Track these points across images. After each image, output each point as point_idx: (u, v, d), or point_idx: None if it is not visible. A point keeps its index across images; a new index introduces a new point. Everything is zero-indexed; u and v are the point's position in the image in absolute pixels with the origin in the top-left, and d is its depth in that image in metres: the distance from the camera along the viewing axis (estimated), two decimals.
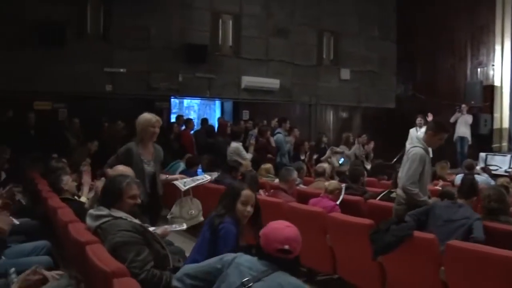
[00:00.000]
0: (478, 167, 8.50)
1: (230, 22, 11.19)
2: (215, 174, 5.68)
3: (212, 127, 9.95)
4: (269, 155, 8.14)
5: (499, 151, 11.63)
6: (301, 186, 6.16)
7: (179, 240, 4.58)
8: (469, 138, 10.76)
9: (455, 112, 10.82)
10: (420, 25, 12.91)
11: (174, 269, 2.88)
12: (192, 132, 9.72)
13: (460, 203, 3.84)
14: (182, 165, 7.16)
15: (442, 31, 12.53)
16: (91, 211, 3.04)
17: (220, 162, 7.07)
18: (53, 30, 8.56)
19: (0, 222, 2.75)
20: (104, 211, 2.95)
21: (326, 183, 5.05)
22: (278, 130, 9.24)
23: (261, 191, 5.26)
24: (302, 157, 8.88)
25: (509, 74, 11.94)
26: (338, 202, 4.71)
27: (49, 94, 8.97)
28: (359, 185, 5.53)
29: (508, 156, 10.79)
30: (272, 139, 8.51)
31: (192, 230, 4.60)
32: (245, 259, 2.26)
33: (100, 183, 4.51)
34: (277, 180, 5.90)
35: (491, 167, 9.30)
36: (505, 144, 12.02)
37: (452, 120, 10.59)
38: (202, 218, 4.39)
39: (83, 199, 4.63)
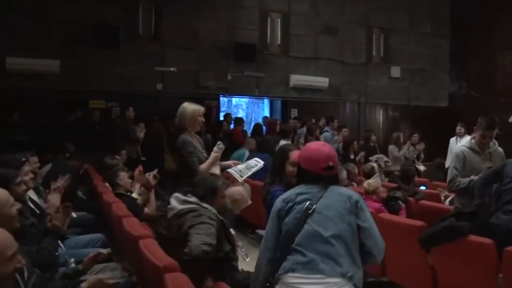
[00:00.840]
0: None
1: (279, 20, 11.19)
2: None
3: (260, 125, 9.98)
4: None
5: None
6: (352, 186, 6.07)
7: None
8: None
9: None
10: (475, 19, 12.36)
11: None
12: None
13: None
14: (247, 153, 7.21)
15: (499, 25, 11.97)
16: (177, 194, 3.06)
17: None
18: (108, 33, 8.88)
19: (56, 220, 2.89)
20: (193, 199, 2.99)
21: (365, 184, 4.94)
22: (326, 128, 9.17)
23: None
24: (352, 157, 8.77)
25: None
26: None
27: (103, 93, 9.31)
28: (410, 186, 5.40)
29: None
30: (321, 138, 8.45)
31: None
32: (292, 192, 2.40)
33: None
34: None
35: None
36: None
37: (510, 120, 10.13)
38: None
39: (134, 195, 4.78)
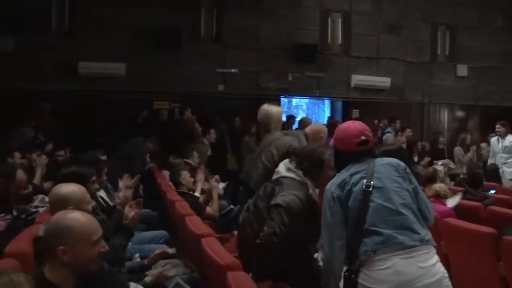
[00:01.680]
0: None
1: (340, 20, 11.04)
2: None
3: None
4: None
5: None
6: None
7: None
8: None
9: None
10: None
11: None
12: None
13: None
14: None
15: None
16: (286, 161, 3.01)
17: None
18: (171, 35, 9.19)
19: (131, 221, 3.01)
20: (298, 172, 2.89)
21: (437, 186, 4.76)
22: (388, 129, 8.95)
23: None
24: (415, 159, 8.51)
25: None
26: (451, 206, 4.43)
27: (167, 94, 9.60)
28: (478, 190, 5.15)
29: None
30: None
31: None
32: (344, 175, 2.38)
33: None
34: None
35: None
36: None
37: None
38: None
39: (196, 194, 4.90)
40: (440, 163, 7.95)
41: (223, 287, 2.21)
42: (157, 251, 2.99)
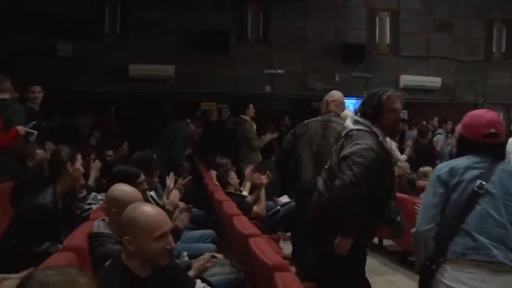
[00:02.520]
0: None
1: (388, 19, 10.84)
2: None
3: None
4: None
5: None
6: None
7: None
8: None
9: None
10: None
11: None
12: None
13: None
14: None
15: None
16: (352, 114, 2.97)
17: None
18: (219, 38, 9.36)
19: (179, 222, 3.07)
20: (365, 122, 2.81)
21: None
22: (439, 131, 8.70)
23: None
24: None
25: None
26: None
27: (214, 95, 9.75)
28: None
29: None
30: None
31: None
32: (460, 164, 2.22)
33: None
34: None
35: None
36: None
37: None
38: None
39: (244, 193, 4.94)
40: None
41: (270, 287, 2.22)
42: (205, 256, 2.99)
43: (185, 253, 3.42)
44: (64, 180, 3.25)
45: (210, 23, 9.41)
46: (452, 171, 2.21)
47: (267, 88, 9.98)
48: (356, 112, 2.94)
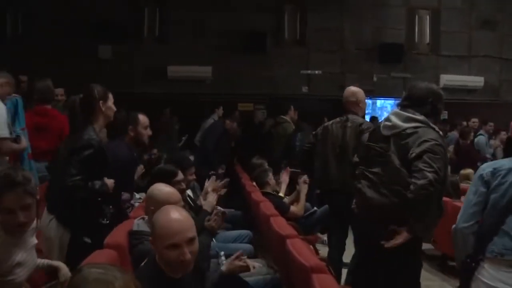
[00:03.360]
0: None
1: (428, 17, 10.59)
2: None
3: None
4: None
5: None
6: None
7: None
8: None
9: None
10: None
11: None
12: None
13: None
14: None
15: None
16: (401, 112, 2.83)
17: None
18: (256, 39, 9.44)
19: (214, 222, 3.09)
20: (420, 117, 2.73)
21: None
22: (481, 132, 8.44)
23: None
24: None
25: None
26: None
27: (251, 96, 9.79)
28: None
29: None
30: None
31: None
32: (504, 164, 2.24)
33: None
34: None
35: None
36: None
37: None
38: None
39: (280, 194, 4.93)
40: None
41: None
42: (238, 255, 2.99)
43: (222, 252, 3.45)
44: (99, 120, 3.16)
45: (247, 25, 9.49)
46: (495, 172, 2.21)
47: (304, 89, 9.96)
48: (402, 107, 2.85)
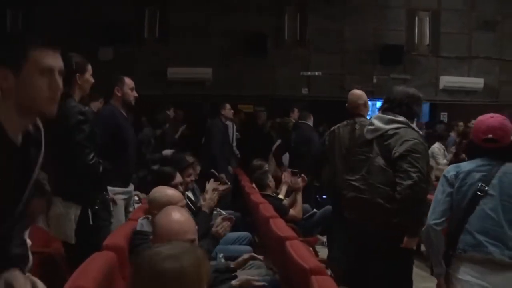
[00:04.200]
0: None
1: (428, 19, 10.60)
2: None
3: None
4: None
5: None
6: None
7: None
8: None
9: None
10: None
11: None
12: None
13: None
14: None
15: None
16: (382, 115, 2.95)
17: None
18: (257, 41, 9.45)
19: (221, 229, 3.10)
20: (401, 118, 2.85)
21: None
22: None
23: None
24: None
25: None
26: None
27: (251, 98, 9.80)
28: None
29: None
30: None
31: None
32: (465, 167, 2.41)
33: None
34: None
35: None
36: None
37: None
38: None
39: (280, 196, 4.94)
40: None
41: None
42: (245, 256, 3.04)
43: (221, 254, 3.45)
44: (75, 92, 3.03)
45: (247, 26, 9.50)
46: (457, 174, 2.41)
47: (304, 91, 9.97)
48: (383, 110, 2.97)
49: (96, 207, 3.04)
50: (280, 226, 3.22)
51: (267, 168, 5.23)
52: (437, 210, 2.43)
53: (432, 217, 2.43)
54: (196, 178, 4.75)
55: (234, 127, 7.67)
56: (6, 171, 1.40)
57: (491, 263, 2.26)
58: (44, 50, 1.51)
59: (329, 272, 3.72)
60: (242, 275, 2.85)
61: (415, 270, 5.06)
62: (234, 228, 4.54)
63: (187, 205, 3.92)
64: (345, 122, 4.18)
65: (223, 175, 6.39)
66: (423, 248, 5.66)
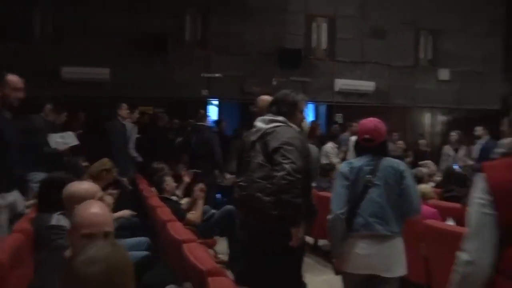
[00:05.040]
0: None
1: (325, 24, 11.12)
2: None
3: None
4: None
5: None
6: None
7: None
8: None
9: None
10: None
11: None
12: None
13: None
14: None
15: None
16: (264, 117, 3.16)
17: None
18: (156, 41, 9.23)
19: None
20: (281, 118, 3.09)
21: (422, 187, 4.77)
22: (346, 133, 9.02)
23: None
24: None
25: None
26: None
27: (151, 99, 9.58)
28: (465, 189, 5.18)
29: None
30: None
31: None
32: (356, 163, 2.91)
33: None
34: None
35: None
36: None
37: None
38: None
39: (175, 198, 4.88)
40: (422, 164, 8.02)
41: None
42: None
43: None
44: None
45: (148, 26, 9.24)
46: (351, 170, 2.89)
47: (204, 92, 9.94)
48: (268, 112, 3.20)
49: None
50: (177, 230, 3.19)
51: (166, 171, 5.13)
52: (340, 201, 2.86)
53: (338, 207, 2.85)
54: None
55: (135, 128, 7.47)
56: None
57: (376, 237, 2.81)
58: None
59: (229, 273, 3.76)
60: None
61: (313, 264, 5.34)
62: (132, 234, 4.43)
63: None
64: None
65: (124, 179, 6.21)
66: (320, 243, 5.95)
